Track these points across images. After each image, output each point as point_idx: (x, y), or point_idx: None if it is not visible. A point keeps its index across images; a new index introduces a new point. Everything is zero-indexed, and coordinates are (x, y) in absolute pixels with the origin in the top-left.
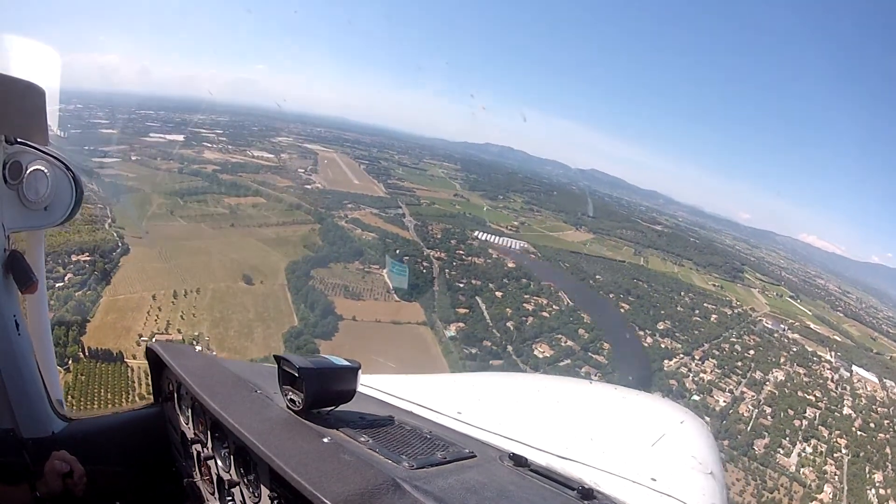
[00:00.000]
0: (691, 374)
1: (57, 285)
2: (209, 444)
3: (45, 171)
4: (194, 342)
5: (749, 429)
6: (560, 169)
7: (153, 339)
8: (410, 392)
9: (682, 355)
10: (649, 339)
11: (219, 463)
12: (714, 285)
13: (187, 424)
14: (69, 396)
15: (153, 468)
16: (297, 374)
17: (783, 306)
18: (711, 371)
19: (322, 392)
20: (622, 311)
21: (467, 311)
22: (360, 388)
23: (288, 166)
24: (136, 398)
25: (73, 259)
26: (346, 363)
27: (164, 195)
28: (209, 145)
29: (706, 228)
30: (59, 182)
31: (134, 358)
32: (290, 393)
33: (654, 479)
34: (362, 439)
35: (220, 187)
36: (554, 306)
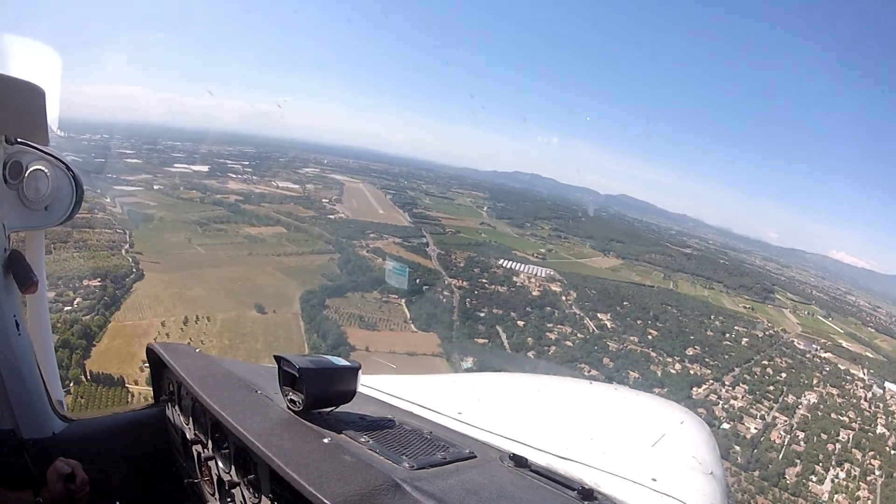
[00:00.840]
0: (721, 402)
1: (66, 308)
2: (209, 445)
3: (46, 171)
4: None
5: (781, 457)
6: (589, 195)
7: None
8: (410, 392)
9: (711, 381)
10: (678, 366)
11: (219, 463)
12: (745, 307)
13: (187, 425)
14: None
15: (153, 468)
16: (297, 375)
17: (815, 325)
18: (742, 397)
19: (322, 392)
20: (650, 337)
21: (486, 340)
22: (360, 389)
23: (312, 196)
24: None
25: (84, 284)
26: (347, 364)
27: (183, 224)
28: (234, 176)
29: (736, 250)
30: (59, 182)
31: (136, 384)
32: (291, 393)
33: (655, 480)
34: (362, 440)
35: (241, 217)
36: (578, 335)
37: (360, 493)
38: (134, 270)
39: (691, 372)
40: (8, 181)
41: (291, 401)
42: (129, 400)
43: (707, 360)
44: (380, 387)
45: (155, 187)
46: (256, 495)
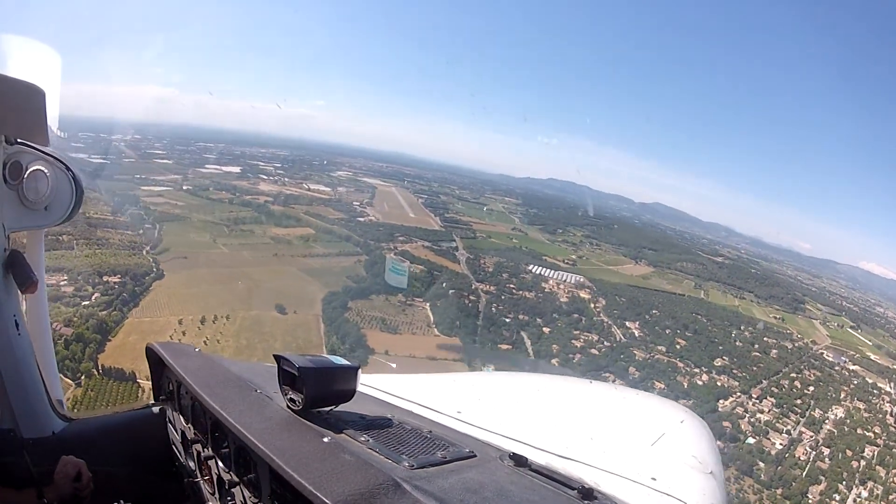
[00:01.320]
0: (748, 415)
1: (83, 303)
2: (209, 444)
3: (46, 171)
4: None
5: (805, 474)
6: (623, 203)
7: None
8: (410, 392)
9: (738, 394)
10: (705, 377)
11: (219, 462)
12: (775, 317)
13: (187, 424)
14: (75, 410)
15: (153, 468)
16: (297, 374)
17: (844, 337)
18: (769, 410)
19: (322, 392)
20: (678, 346)
21: (510, 347)
22: (360, 388)
23: (343, 199)
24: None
25: (104, 280)
26: (346, 363)
27: (210, 224)
28: (265, 178)
29: (768, 259)
30: (59, 182)
31: (147, 379)
32: (290, 392)
33: (655, 479)
34: (362, 439)
35: (270, 218)
36: (605, 343)
37: (361, 493)
38: (155, 269)
39: (718, 383)
40: (8, 181)
41: (291, 400)
42: (139, 395)
43: (735, 371)
44: (380, 386)
45: (184, 187)
46: (256, 495)
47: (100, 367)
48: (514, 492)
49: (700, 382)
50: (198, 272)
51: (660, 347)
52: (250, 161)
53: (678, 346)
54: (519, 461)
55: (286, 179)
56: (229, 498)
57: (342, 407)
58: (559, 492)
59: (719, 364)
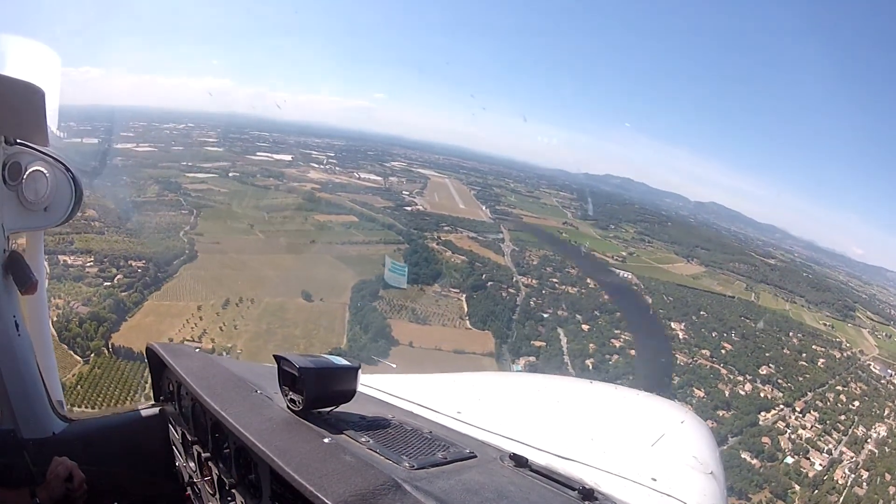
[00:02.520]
0: (789, 430)
1: (105, 284)
2: (209, 445)
3: (45, 171)
4: (224, 353)
5: (841, 501)
6: (679, 202)
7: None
8: (410, 392)
9: (781, 406)
10: (748, 387)
11: (219, 463)
12: (825, 324)
13: (187, 425)
14: (78, 386)
15: (153, 469)
16: (297, 374)
17: (892, 348)
18: (811, 426)
19: (322, 392)
20: (724, 351)
21: (544, 344)
22: (360, 388)
23: (393, 189)
24: (143, 398)
25: (130, 263)
26: (346, 363)
27: (251, 209)
28: (316, 166)
29: (820, 264)
30: (58, 183)
31: None
32: (291, 393)
33: (655, 479)
34: (363, 439)
35: (314, 205)
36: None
37: (361, 493)
38: (186, 252)
39: (762, 394)
40: (7, 182)
41: (291, 400)
42: (144, 374)
43: (780, 381)
44: (380, 386)
45: (230, 174)
46: (256, 496)
47: (111, 346)
48: (515, 492)
49: (743, 392)
50: (229, 258)
51: (704, 351)
52: (303, 150)
53: (723, 351)
54: (519, 462)
55: (337, 168)
56: (229, 498)
57: (342, 407)
58: (559, 492)
59: (764, 372)
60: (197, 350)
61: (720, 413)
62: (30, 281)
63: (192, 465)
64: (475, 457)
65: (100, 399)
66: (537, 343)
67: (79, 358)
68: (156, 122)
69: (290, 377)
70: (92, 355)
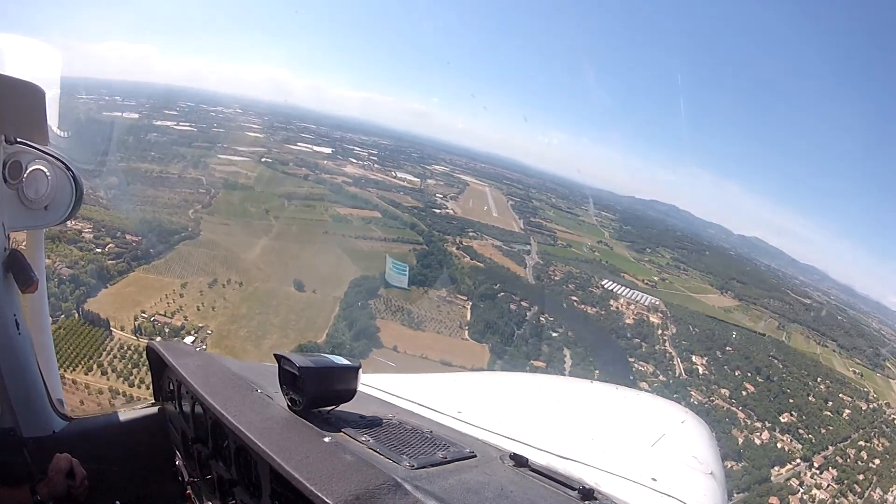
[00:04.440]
0: (802, 490)
1: (96, 250)
2: (210, 444)
3: (45, 170)
4: (192, 332)
5: None
6: (722, 233)
7: (152, 318)
8: (410, 392)
9: (798, 461)
10: (765, 435)
11: (219, 462)
12: (854, 371)
13: (188, 424)
14: None
15: (154, 467)
16: (297, 374)
17: None
18: (828, 486)
19: (322, 391)
20: (745, 393)
21: (544, 364)
22: (360, 388)
23: (428, 191)
24: (98, 364)
25: (125, 236)
26: (347, 363)
27: (272, 195)
28: (354, 161)
29: (855, 309)
30: (59, 181)
31: (121, 329)
32: (291, 392)
33: (655, 479)
34: (363, 439)
35: (339, 197)
36: (660, 376)
37: (361, 493)
38: (188, 230)
39: (779, 444)
40: (8, 181)
41: (292, 400)
42: (104, 343)
43: (801, 431)
44: (380, 386)
45: (262, 160)
46: (257, 495)
47: (80, 310)
48: (515, 492)
49: (758, 441)
50: (232, 239)
51: (723, 391)
52: (347, 145)
53: (744, 393)
54: (519, 461)
55: (375, 166)
56: (229, 498)
57: (343, 407)
58: (559, 492)
59: (786, 420)
60: (197, 350)
61: (729, 464)
62: (30, 280)
63: (192, 464)
64: (475, 456)
65: (57, 361)
66: (537, 363)
67: (49, 317)
68: (204, 103)
69: (290, 376)
70: (62, 316)
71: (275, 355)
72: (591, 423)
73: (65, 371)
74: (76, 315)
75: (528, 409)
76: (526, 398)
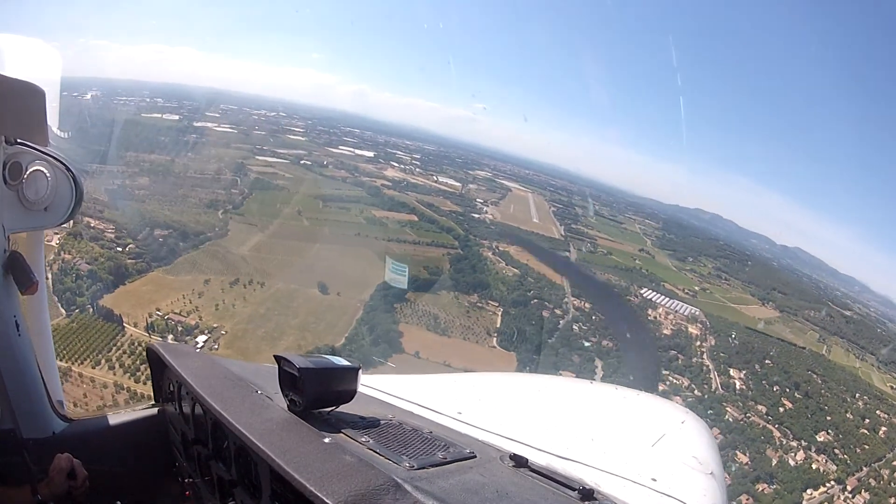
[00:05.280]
0: None
1: (116, 249)
2: (210, 445)
3: (46, 171)
4: (206, 331)
5: None
6: (765, 244)
7: (166, 316)
8: (410, 392)
9: (832, 483)
10: (801, 455)
11: (219, 463)
12: (892, 387)
13: (188, 425)
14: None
15: (154, 468)
16: (297, 375)
17: None
18: None
19: (322, 392)
20: (782, 409)
21: (573, 375)
22: (360, 389)
23: (468, 195)
24: (107, 359)
25: (153, 232)
26: (347, 364)
27: (307, 197)
28: (396, 165)
29: (894, 321)
30: (59, 182)
31: (134, 326)
32: (291, 393)
33: (655, 480)
34: (363, 439)
35: (377, 200)
36: (695, 391)
37: (361, 493)
38: (215, 230)
39: (814, 465)
40: (8, 182)
41: (292, 401)
42: (116, 338)
43: (836, 451)
44: (380, 387)
45: (301, 162)
46: (257, 495)
47: (95, 305)
48: (515, 492)
49: (793, 462)
50: (260, 240)
51: (760, 407)
52: (390, 150)
53: (781, 409)
54: (519, 462)
55: (417, 170)
56: (229, 498)
57: (343, 407)
58: (559, 492)
59: (822, 439)
60: (197, 351)
61: (759, 487)
62: (30, 281)
63: (192, 464)
64: (475, 457)
65: (65, 353)
66: (566, 373)
67: (63, 310)
68: (248, 107)
69: (290, 377)
70: (76, 311)
71: (275, 356)
72: (591, 424)
73: (72, 364)
74: (90, 310)
75: (528, 409)
76: (526, 398)
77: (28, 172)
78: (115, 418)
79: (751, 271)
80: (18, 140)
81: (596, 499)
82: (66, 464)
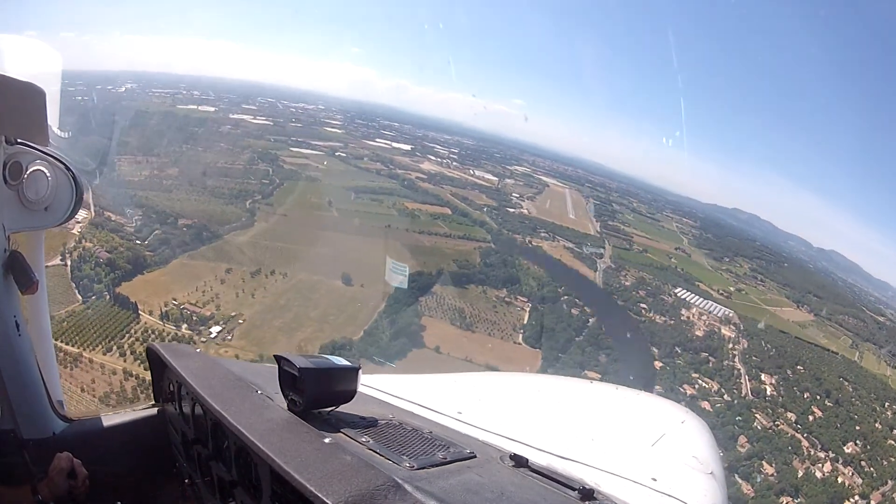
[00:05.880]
0: None
1: (136, 241)
2: (210, 445)
3: (46, 171)
4: (221, 322)
5: None
6: (802, 246)
7: (182, 307)
8: (410, 392)
9: (857, 498)
10: (827, 467)
11: (219, 463)
12: None
13: (188, 425)
14: (65, 322)
15: (154, 469)
16: (297, 375)
17: None
18: None
19: (322, 392)
20: (811, 418)
21: (599, 376)
22: (360, 389)
23: (505, 190)
24: (118, 346)
25: (177, 222)
26: (347, 364)
27: (338, 188)
28: (433, 159)
29: None
30: (59, 182)
31: (150, 314)
32: (291, 393)
33: (655, 479)
34: (363, 439)
35: (410, 192)
36: (725, 396)
37: (361, 493)
38: (241, 220)
39: (839, 479)
40: (8, 182)
41: (292, 401)
42: (129, 325)
43: (863, 463)
44: (380, 386)
45: (336, 154)
46: (257, 496)
47: (112, 293)
48: (515, 492)
49: (819, 474)
50: (287, 230)
51: (790, 415)
52: (427, 143)
53: (811, 418)
54: (519, 462)
55: (454, 164)
56: (230, 498)
57: (343, 407)
58: (559, 492)
59: (850, 451)
60: (198, 350)
61: (785, 500)
62: (30, 281)
63: (192, 465)
64: (475, 457)
65: (78, 339)
66: (591, 373)
67: (80, 297)
68: (286, 100)
69: (290, 377)
70: (92, 297)
71: (275, 356)
72: (591, 424)
73: (83, 350)
74: (107, 297)
75: (528, 409)
76: (526, 398)
77: (28, 172)
78: (115, 418)
79: (787, 273)
80: (18, 140)
81: (596, 499)
82: (66, 464)
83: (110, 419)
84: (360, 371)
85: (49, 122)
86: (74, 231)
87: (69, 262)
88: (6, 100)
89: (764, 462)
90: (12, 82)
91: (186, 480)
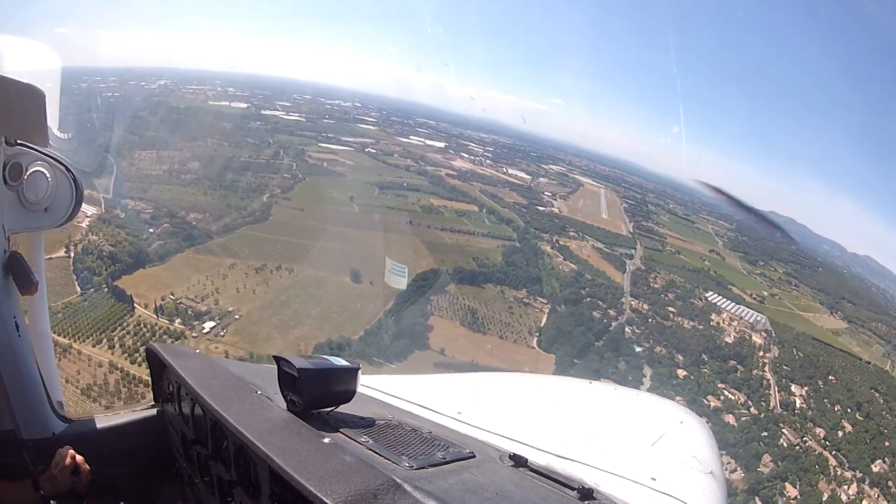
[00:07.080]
0: None
1: (149, 230)
2: (209, 445)
3: (46, 172)
4: (217, 318)
5: None
6: (837, 250)
7: (178, 301)
8: (410, 392)
9: None
10: (853, 488)
11: (219, 463)
12: None
13: (187, 425)
14: (60, 314)
15: (153, 469)
16: (296, 375)
17: None
18: None
19: (322, 393)
20: (841, 434)
21: (617, 383)
22: (359, 389)
23: (536, 188)
24: (109, 338)
25: (187, 215)
26: (346, 364)
27: (363, 184)
28: (466, 156)
29: None
30: (59, 183)
31: (145, 308)
32: (290, 394)
33: (654, 479)
34: (362, 440)
35: (438, 189)
36: (751, 408)
37: (361, 493)
38: (255, 214)
39: (864, 502)
40: (8, 182)
41: (291, 401)
42: (122, 318)
43: (890, 483)
44: (380, 387)
45: (366, 150)
46: (256, 496)
47: (110, 285)
48: (514, 492)
49: (845, 497)
50: (303, 224)
51: (818, 430)
52: (463, 141)
53: (840, 433)
54: (519, 461)
55: (487, 161)
56: (229, 498)
57: (342, 408)
58: (559, 492)
59: (877, 469)
60: (197, 351)
61: None
62: (30, 282)
63: (191, 465)
64: (475, 457)
65: (70, 330)
66: (608, 382)
67: (79, 288)
68: (322, 96)
69: (289, 378)
70: (90, 289)
71: (274, 357)
72: (590, 423)
73: (73, 341)
74: (105, 289)
75: (528, 409)
76: (525, 398)
77: (28, 173)
78: (114, 419)
79: (821, 278)
80: (19, 141)
81: (595, 498)
82: (69, 459)
83: (110, 420)
84: (360, 371)
85: (49, 122)
86: (83, 224)
87: (73, 255)
88: (6, 101)
89: (787, 484)
90: (12, 83)
91: (186, 481)
